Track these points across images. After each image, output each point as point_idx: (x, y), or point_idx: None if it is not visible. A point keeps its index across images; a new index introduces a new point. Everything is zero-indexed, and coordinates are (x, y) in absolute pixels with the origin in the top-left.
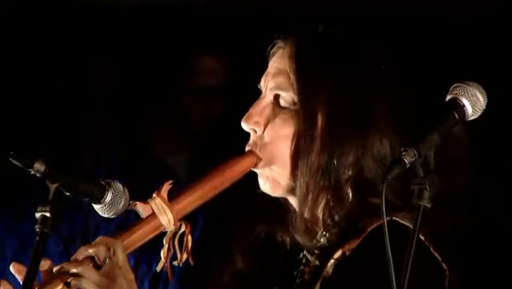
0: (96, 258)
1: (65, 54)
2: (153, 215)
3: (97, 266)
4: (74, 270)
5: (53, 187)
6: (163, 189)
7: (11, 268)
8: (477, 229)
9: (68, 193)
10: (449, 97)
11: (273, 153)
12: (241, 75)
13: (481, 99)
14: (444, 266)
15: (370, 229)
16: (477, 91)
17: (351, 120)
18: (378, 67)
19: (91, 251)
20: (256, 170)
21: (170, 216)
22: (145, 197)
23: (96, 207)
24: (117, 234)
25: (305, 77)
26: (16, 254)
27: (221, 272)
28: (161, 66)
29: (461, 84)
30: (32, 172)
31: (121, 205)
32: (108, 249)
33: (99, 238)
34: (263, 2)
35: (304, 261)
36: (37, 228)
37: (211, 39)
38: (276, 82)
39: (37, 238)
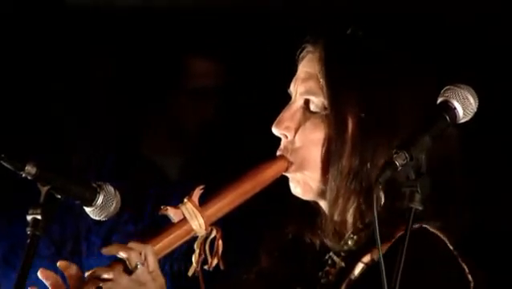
0: (128, 263)
1: (57, 55)
2: (184, 220)
3: (128, 271)
4: (105, 276)
5: (44, 190)
6: (194, 194)
7: (39, 274)
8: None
9: (59, 196)
10: (440, 100)
11: (304, 158)
12: (234, 77)
13: (473, 102)
14: (470, 277)
15: (398, 235)
16: (469, 94)
17: (381, 122)
18: (404, 68)
19: (123, 255)
20: (287, 174)
21: (201, 221)
22: (137, 200)
23: (88, 210)
24: (148, 238)
25: (334, 81)
26: (7, 257)
27: (247, 271)
28: (155, 68)
29: (452, 87)
30: (23, 175)
31: (112, 207)
32: (139, 253)
33: (130, 243)
34: (259, 4)
35: (330, 262)
36: (28, 231)
37: (202, 41)
38: (306, 86)
39: (28, 240)
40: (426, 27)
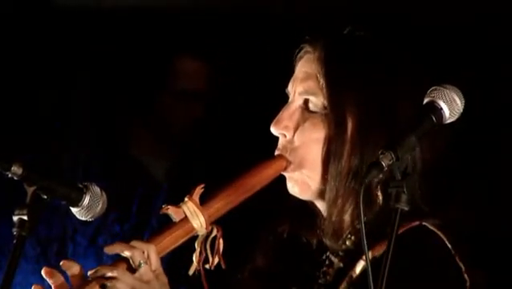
0: (131, 261)
1: (45, 55)
2: (186, 219)
3: (131, 269)
4: (110, 274)
5: (30, 190)
6: (195, 193)
7: (43, 273)
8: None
9: (46, 196)
10: (426, 100)
11: (303, 157)
12: (223, 79)
13: (459, 103)
14: (466, 276)
15: (399, 232)
16: (455, 95)
17: (380, 122)
18: (403, 67)
19: (127, 253)
20: (285, 174)
21: (202, 219)
22: (125, 201)
23: (74, 210)
24: (150, 237)
25: (334, 81)
26: None
27: (242, 270)
28: (143, 68)
29: (438, 87)
30: (9, 175)
31: (99, 208)
32: (142, 252)
33: (133, 242)
34: (247, 5)
35: (328, 262)
36: (14, 231)
37: (191, 43)
38: (305, 86)
39: (14, 241)
40: (426, 27)
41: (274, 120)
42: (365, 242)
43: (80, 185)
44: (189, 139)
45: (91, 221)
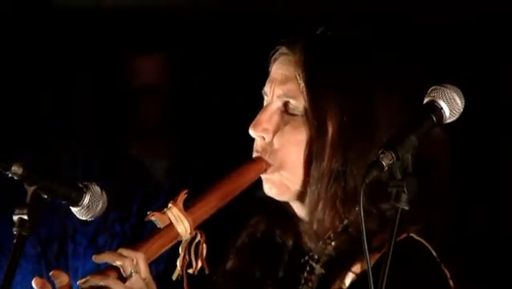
0: (122, 270)
1: (44, 55)
2: (170, 225)
3: (121, 278)
4: (101, 283)
5: (31, 190)
6: (179, 199)
7: (33, 283)
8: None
9: (46, 196)
10: (426, 100)
11: (283, 159)
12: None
13: (459, 102)
14: (452, 283)
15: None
16: (455, 94)
17: (361, 124)
18: (385, 68)
19: (118, 263)
20: (263, 176)
21: (187, 225)
22: (125, 200)
23: (74, 210)
24: (136, 244)
25: (315, 84)
26: None
27: (213, 271)
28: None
29: (438, 87)
30: (10, 175)
31: (99, 207)
32: (132, 260)
33: (121, 250)
34: (246, 5)
35: (308, 268)
36: (14, 231)
37: (191, 43)
38: (284, 89)
39: (14, 240)
40: (426, 27)
41: (253, 123)
42: (366, 246)
43: (80, 185)
44: (190, 139)
45: (92, 220)
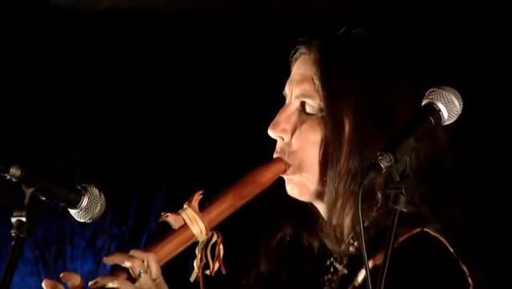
0: (131, 271)
1: (40, 55)
2: (185, 226)
3: (131, 279)
4: (110, 284)
5: (29, 192)
6: (194, 200)
7: (43, 284)
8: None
9: (44, 198)
10: (424, 102)
11: (302, 160)
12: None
13: (457, 104)
14: (470, 280)
15: (401, 240)
16: (453, 96)
17: (377, 123)
18: (399, 67)
19: (127, 264)
20: (284, 176)
21: (202, 226)
22: (123, 202)
23: (72, 212)
24: (149, 245)
25: (330, 83)
26: None
27: (246, 275)
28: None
29: (436, 89)
30: (8, 177)
31: (97, 209)
32: (142, 261)
33: (132, 251)
34: (247, 5)
35: (332, 269)
36: (13, 233)
37: (191, 43)
38: (301, 89)
39: (13, 242)
40: (426, 27)
41: (272, 123)
42: (364, 246)
43: (79, 187)
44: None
45: (90, 222)
